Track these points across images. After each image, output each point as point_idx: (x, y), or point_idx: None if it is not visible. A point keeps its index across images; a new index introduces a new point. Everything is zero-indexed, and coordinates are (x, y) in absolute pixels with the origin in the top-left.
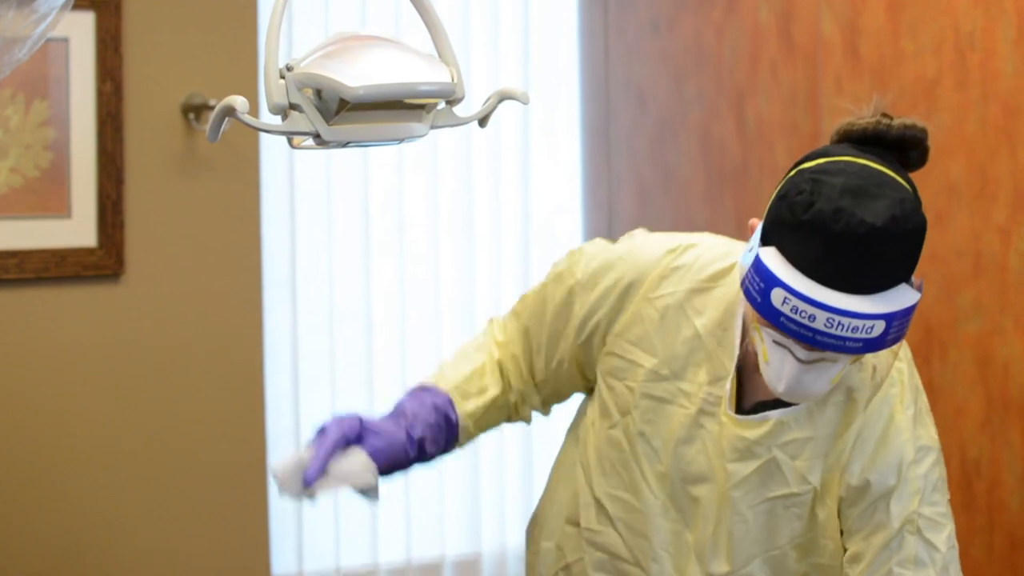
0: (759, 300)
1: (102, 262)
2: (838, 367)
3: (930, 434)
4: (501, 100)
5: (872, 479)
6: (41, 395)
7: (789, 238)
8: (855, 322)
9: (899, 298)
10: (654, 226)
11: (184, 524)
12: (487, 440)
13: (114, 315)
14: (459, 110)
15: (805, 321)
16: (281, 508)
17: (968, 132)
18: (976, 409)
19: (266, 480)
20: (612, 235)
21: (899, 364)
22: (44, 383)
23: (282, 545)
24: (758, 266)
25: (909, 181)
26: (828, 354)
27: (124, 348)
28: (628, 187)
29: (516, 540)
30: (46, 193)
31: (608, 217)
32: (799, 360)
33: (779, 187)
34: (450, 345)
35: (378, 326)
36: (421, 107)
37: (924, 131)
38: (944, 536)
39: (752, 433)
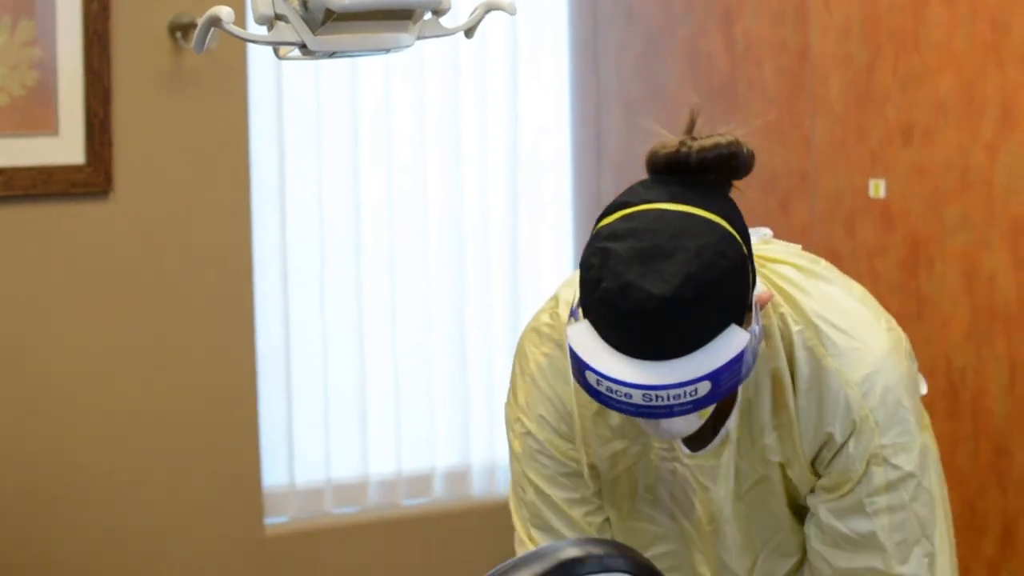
0: (578, 379)
1: (90, 179)
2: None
3: (874, 341)
4: (488, 11)
5: (830, 431)
6: (29, 312)
7: (592, 314)
8: (675, 391)
9: (723, 349)
10: (640, 144)
11: (175, 439)
12: (476, 352)
13: (102, 232)
14: (445, 20)
15: (624, 399)
16: (271, 421)
17: (956, 48)
18: (962, 320)
19: (256, 393)
20: (600, 152)
21: (787, 290)
22: (32, 300)
23: (273, 458)
24: (569, 347)
25: (722, 209)
26: None
27: (113, 265)
28: (616, 104)
29: (505, 452)
30: (33, 111)
31: (596, 134)
32: None
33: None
34: (437, 258)
35: (366, 240)
36: (408, 17)
37: (731, 146)
38: (914, 455)
39: (713, 461)
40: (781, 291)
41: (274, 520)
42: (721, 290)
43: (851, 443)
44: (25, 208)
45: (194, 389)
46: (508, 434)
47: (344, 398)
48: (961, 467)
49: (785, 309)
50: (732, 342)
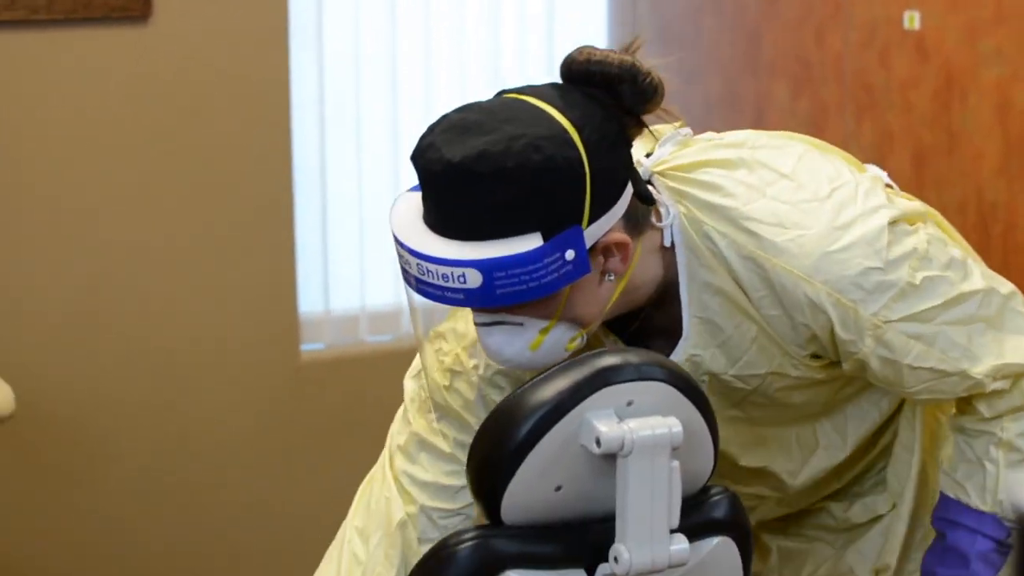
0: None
1: (130, 4)
2: (529, 332)
3: (813, 220)
4: None
5: (808, 327)
6: (68, 137)
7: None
8: (443, 269)
9: (505, 247)
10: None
11: (212, 265)
12: None
13: (141, 57)
14: None
15: (408, 268)
16: (308, 248)
17: None
18: (994, 154)
19: (292, 220)
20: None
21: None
22: (71, 125)
23: (309, 284)
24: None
25: (583, 118)
26: (502, 315)
27: (151, 90)
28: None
29: None
30: None
31: None
32: (476, 322)
33: None
34: (475, 84)
35: (403, 70)
36: None
37: (621, 67)
38: (915, 295)
39: None
40: (703, 204)
41: (309, 347)
42: (522, 183)
43: (839, 330)
44: (66, 32)
45: (231, 216)
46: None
47: (380, 225)
48: None
49: (709, 224)
50: (522, 245)
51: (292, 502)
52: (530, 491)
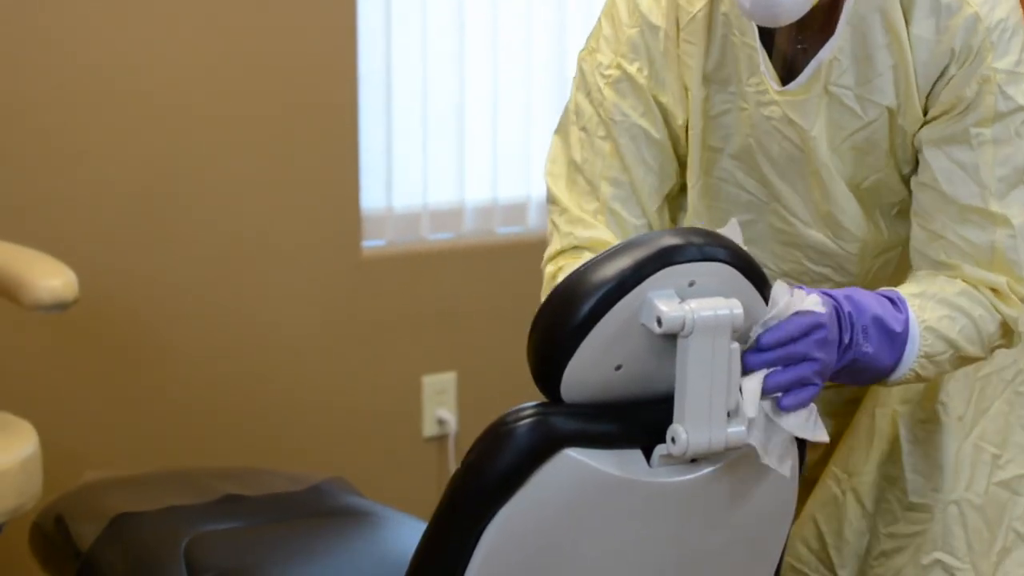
0: None
1: None
2: None
3: None
4: None
5: (947, 52)
6: (131, 26)
7: None
8: None
9: None
10: None
11: (277, 161)
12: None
13: None
14: None
15: None
16: (371, 145)
17: None
18: None
19: (356, 117)
20: None
21: None
22: (135, 13)
23: (372, 181)
24: None
25: None
26: None
27: None
28: None
29: None
30: None
31: None
32: None
33: None
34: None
35: None
36: None
37: None
38: None
39: (803, 96)
40: None
41: (371, 243)
42: None
43: (966, 65)
44: None
45: (295, 112)
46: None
47: (443, 123)
48: None
49: None
50: None
51: (352, 394)
52: (590, 369)
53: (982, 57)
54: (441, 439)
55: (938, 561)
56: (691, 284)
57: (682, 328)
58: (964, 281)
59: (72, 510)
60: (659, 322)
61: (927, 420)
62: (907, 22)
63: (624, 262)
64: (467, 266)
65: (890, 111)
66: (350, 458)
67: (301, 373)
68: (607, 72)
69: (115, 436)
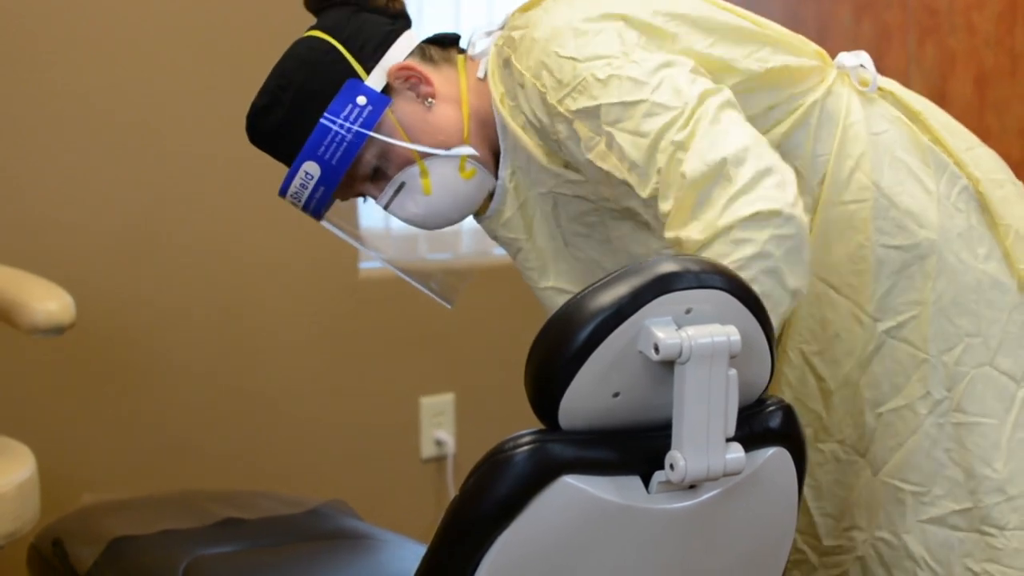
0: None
1: None
2: (413, 183)
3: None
4: None
5: (526, 113)
6: (124, 43)
7: None
8: (295, 185)
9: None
10: None
11: (272, 181)
12: None
13: None
14: None
15: (305, 208)
16: None
17: None
18: None
19: None
20: None
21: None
22: (130, 29)
23: (369, 202)
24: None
25: (322, 26)
26: (378, 186)
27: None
28: None
29: None
30: None
31: None
32: (383, 206)
33: None
34: None
35: None
36: None
37: None
38: (585, 94)
39: (506, 215)
40: (508, 38)
41: (369, 264)
42: (283, 98)
43: (541, 116)
44: None
45: None
46: None
47: None
48: None
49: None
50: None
51: (350, 415)
52: (588, 397)
53: (545, 108)
54: (439, 460)
55: None
56: (688, 311)
57: (679, 355)
58: None
59: (70, 533)
60: (656, 349)
61: (823, 463)
62: (517, 106)
63: (621, 290)
64: (465, 287)
65: (552, 192)
66: (348, 479)
67: (299, 395)
68: None
69: (113, 459)
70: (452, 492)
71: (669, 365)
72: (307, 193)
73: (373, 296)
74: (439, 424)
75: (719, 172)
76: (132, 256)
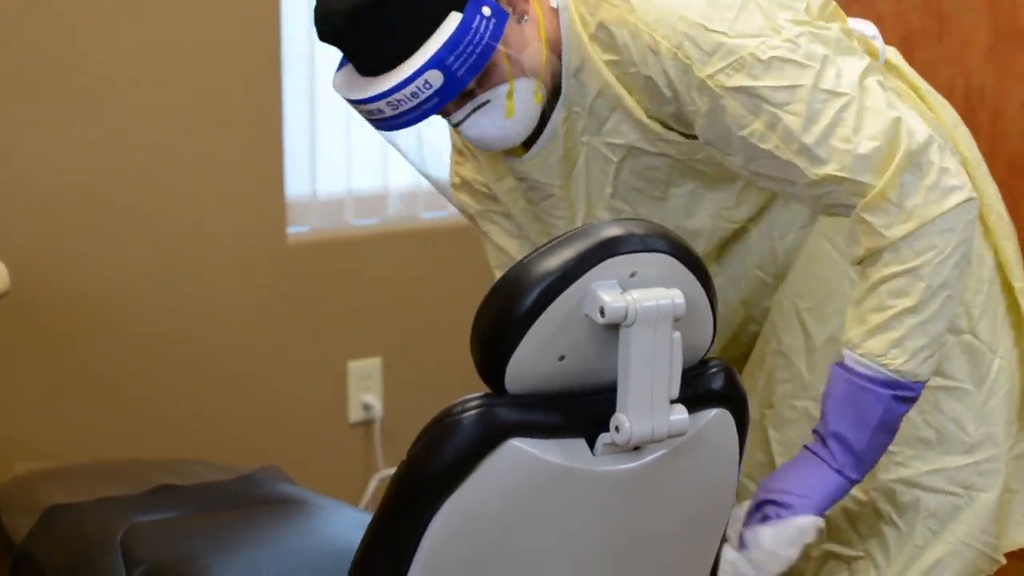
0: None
1: None
2: (498, 103)
3: None
4: None
5: (646, 75)
6: (53, 16)
7: None
8: (410, 88)
9: (439, 38)
10: None
11: (201, 149)
12: None
13: None
14: None
15: (382, 115)
16: (295, 132)
17: None
18: (983, 39)
19: (280, 105)
20: None
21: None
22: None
23: (296, 168)
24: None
25: None
26: (468, 103)
27: None
28: None
29: None
30: None
31: None
32: (454, 125)
33: None
34: None
35: None
36: None
37: None
38: (744, 60)
39: (545, 159)
40: None
41: (296, 230)
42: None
43: (677, 84)
44: None
45: (219, 100)
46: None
47: None
48: None
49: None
50: (450, 27)
51: (279, 381)
52: (534, 360)
53: (683, 72)
54: (367, 424)
55: (830, 552)
56: (633, 275)
57: (625, 318)
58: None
59: (5, 502)
60: (602, 312)
61: (796, 420)
62: (607, 64)
63: (567, 254)
64: (392, 251)
65: (631, 146)
66: (276, 444)
67: (228, 361)
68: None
69: (46, 428)
70: (380, 456)
71: (614, 328)
72: (412, 104)
73: (301, 262)
74: (366, 388)
75: (910, 160)
76: (63, 224)
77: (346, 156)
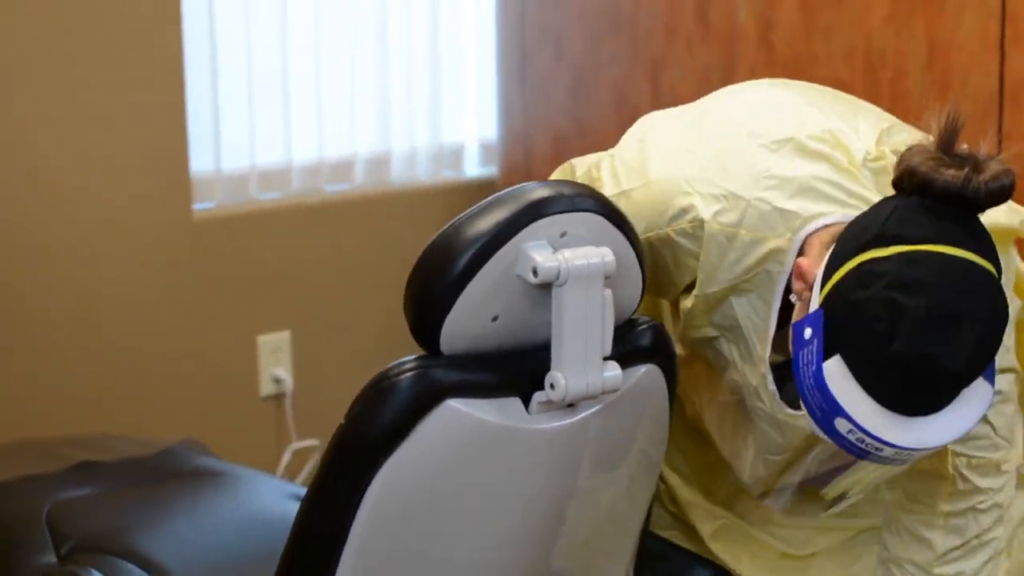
0: (820, 417)
1: None
2: None
3: None
4: None
5: None
6: None
7: (859, 361)
8: (925, 448)
9: (975, 400)
10: None
11: (103, 126)
12: (395, 38)
13: None
14: None
15: (870, 450)
16: (198, 108)
17: None
18: (883, 1)
19: (183, 80)
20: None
21: None
22: None
23: (200, 144)
24: (822, 387)
25: (987, 248)
26: None
27: None
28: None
29: (424, 138)
30: None
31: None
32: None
33: (843, 276)
34: None
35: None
36: None
37: (1010, 177)
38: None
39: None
40: None
41: (202, 206)
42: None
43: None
44: None
45: (120, 76)
46: None
47: (269, 85)
48: None
49: None
50: (980, 391)
51: (189, 356)
52: (468, 321)
53: None
54: (278, 397)
55: None
56: (563, 235)
57: (557, 277)
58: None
59: None
60: (535, 272)
61: None
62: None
63: (498, 215)
64: (297, 225)
65: None
66: (188, 419)
67: (138, 338)
68: None
69: None
70: (292, 428)
71: (547, 287)
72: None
73: (207, 237)
74: (277, 362)
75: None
76: None
77: (249, 130)
